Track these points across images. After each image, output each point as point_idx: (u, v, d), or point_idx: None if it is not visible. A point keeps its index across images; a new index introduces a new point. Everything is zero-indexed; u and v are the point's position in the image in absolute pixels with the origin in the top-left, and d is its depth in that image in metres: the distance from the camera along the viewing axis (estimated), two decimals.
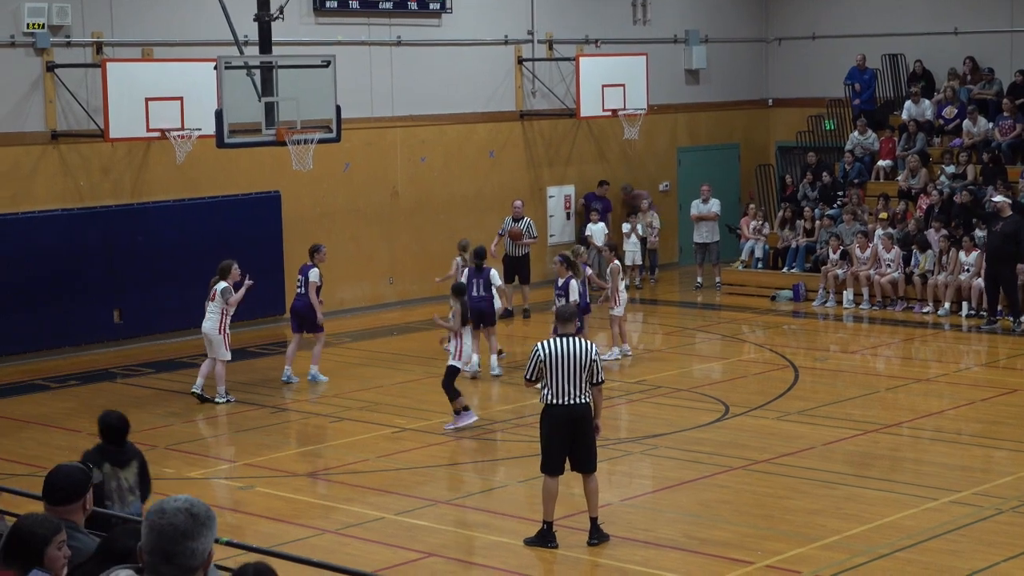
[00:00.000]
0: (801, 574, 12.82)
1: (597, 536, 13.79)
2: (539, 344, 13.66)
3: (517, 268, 26.80)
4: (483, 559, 13.61)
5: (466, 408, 18.43)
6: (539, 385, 13.69)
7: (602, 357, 20.37)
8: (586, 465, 13.79)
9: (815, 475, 16.08)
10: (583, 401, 13.58)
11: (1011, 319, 24.85)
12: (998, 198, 25.61)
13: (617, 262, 22.90)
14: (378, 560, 13.15)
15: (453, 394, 18.36)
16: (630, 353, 22.91)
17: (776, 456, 16.88)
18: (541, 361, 13.52)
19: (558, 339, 13.63)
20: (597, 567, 13.24)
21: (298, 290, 21.49)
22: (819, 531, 14.03)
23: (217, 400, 20.16)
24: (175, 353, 23.72)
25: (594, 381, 13.60)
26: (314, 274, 21.31)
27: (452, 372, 18.39)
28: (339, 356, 23.74)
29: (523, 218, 27.04)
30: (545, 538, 13.81)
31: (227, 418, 19.76)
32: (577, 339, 13.65)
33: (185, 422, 19.35)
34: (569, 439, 13.66)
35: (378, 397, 20.59)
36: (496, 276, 21.89)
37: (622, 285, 22.75)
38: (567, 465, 13.83)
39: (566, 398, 13.52)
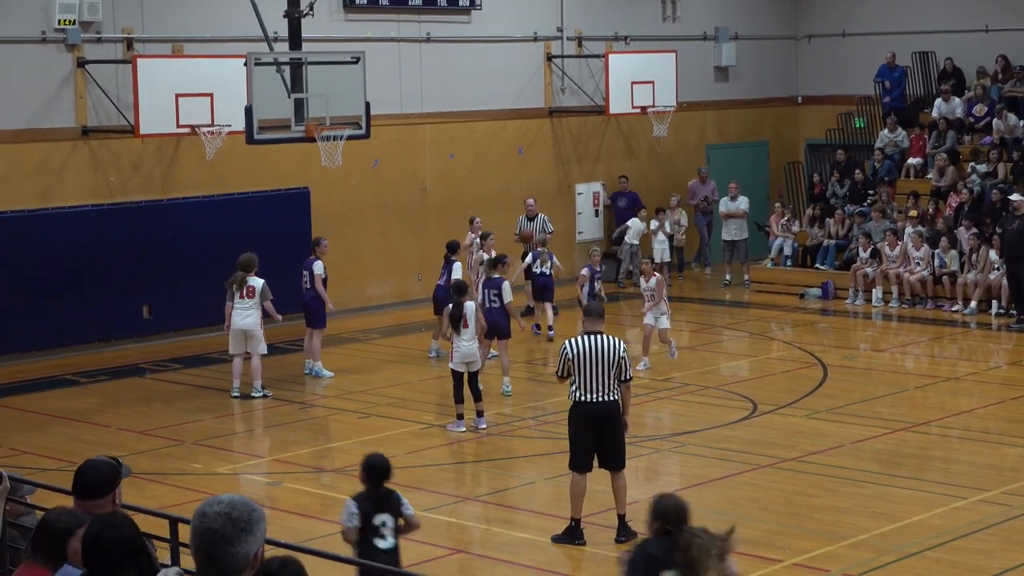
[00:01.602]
0: (829, 572, 12.80)
1: (625, 534, 13.76)
2: (567, 342, 13.68)
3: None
4: (510, 555, 13.62)
5: (460, 416, 18.39)
6: (571, 388, 13.67)
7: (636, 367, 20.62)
8: (614, 463, 13.79)
9: (843, 473, 16.05)
10: (612, 399, 13.58)
11: (1017, 314, 24.78)
12: (1015, 196, 25.54)
13: (658, 276, 21.91)
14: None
15: (458, 397, 18.34)
16: (675, 353, 22.02)
17: (804, 454, 16.85)
18: (569, 360, 13.54)
19: (586, 336, 13.63)
20: None
21: (305, 285, 21.52)
22: (847, 529, 14.00)
23: (254, 394, 20.22)
24: (203, 348, 23.77)
25: (623, 378, 13.60)
26: (318, 267, 21.41)
27: (454, 375, 18.37)
28: (368, 352, 23.79)
29: (537, 215, 26.98)
30: (573, 535, 13.83)
31: (256, 414, 19.81)
32: (606, 336, 13.65)
33: (214, 418, 19.41)
34: (597, 436, 13.67)
35: (406, 393, 20.62)
36: (508, 290, 20.44)
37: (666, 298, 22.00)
38: (595, 462, 13.84)
39: (595, 395, 13.52)
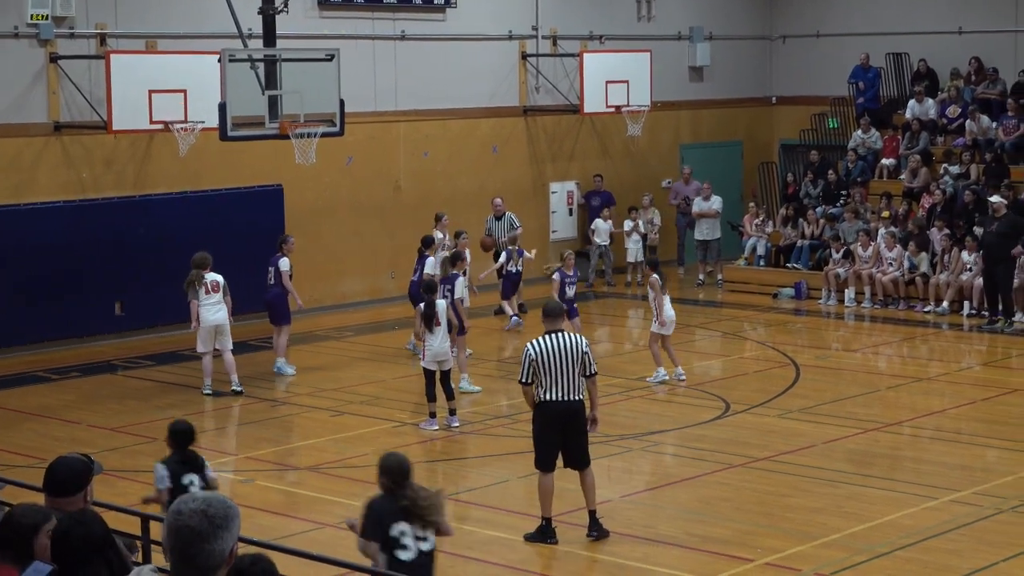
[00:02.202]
0: (801, 572, 12.82)
1: (596, 529, 13.81)
2: (529, 344, 13.64)
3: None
4: (482, 554, 13.61)
5: (432, 415, 18.37)
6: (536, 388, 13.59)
7: (647, 379, 20.52)
8: (579, 462, 13.83)
9: (816, 473, 16.08)
10: (577, 398, 13.59)
11: (1001, 318, 24.86)
12: (994, 198, 25.64)
13: (656, 276, 20.81)
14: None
15: (440, 394, 18.31)
16: (683, 377, 20.97)
17: (777, 454, 16.88)
18: (533, 360, 13.47)
19: (547, 336, 13.61)
20: (596, 563, 13.24)
21: (269, 281, 21.43)
22: (819, 529, 14.03)
23: (235, 388, 20.18)
24: (176, 345, 23.70)
25: (587, 374, 13.61)
26: (284, 263, 21.36)
27: (427, 374, 18.36)
28: (341, 349, 23.75)
29: (504, 214, 26.97)
30: (545, 534, 13.84)
31: (227, 411, 19.76)
32: (567, 334, 13.67)
33: (185, 415, 19.29)
34: (560, 436, 13.67)
35: (379, 391, 20.59)
36: (460, 285, 20.69)
37: (666, 302, 20.80)
38: (562, 461, 13.86)
39: (560, 394, 13.51)
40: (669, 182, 32.65)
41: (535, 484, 14.17)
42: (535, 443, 13.90)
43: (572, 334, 13.79)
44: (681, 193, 31.38)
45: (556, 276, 22.00)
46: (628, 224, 29.99)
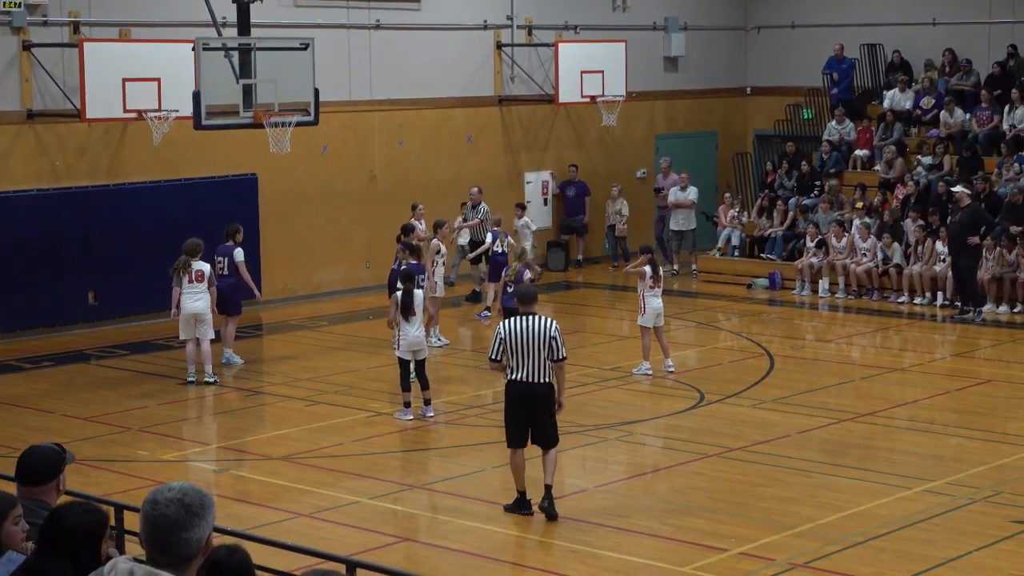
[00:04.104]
0: (775, 561, 12.84)
1: (548, 501, 14.02)
2: (501, 323, 14.08)
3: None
4: (456, 543, 13.61)
5: (407, 404, 18.36)
6: (505, 368, 13.99)
7: (633, 372, 20.49)
8: (545, 442, 14.11)
9: (789, 463, 16.11)
10: (543, 380, 13.91)
11: (970, 308, 24.95)
12: (957, 188, 25.73)
13: (647, 268, 20.48)
14: (352, 544, 13.14)
15: (405, 385, 18.32)
16: (672, 368, 20.81)
17: (751, 444, 16.91)
18: (503, 340, 13.86)
19: (519, 318, 13.97)
20: (571, 553, 13.25)
21: (220, 272, 21.11)
22: (793, 519, 14.06)
23: (207, 380, 20.13)
24: (150, 335, 23.65)
25: (555, 358, 13.88)
26: (239, 253, 21.18)
27: (401, 363, 18.35)
28: (316, 339, 23.71)
29: (480, 204, 26.93)
30: (521, 505, 14.20)
31: (202, 401, 19.71)
32: (538, 317, 13.96)
33: (160, 404, 19.29)
34: (529, 415, 14.00)
35: (354, 381, 20.56)
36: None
37: (652, 294, 20.61)
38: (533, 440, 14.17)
39: (525, 375, 13.86)
40: (644, 172, 32.68)
41: (510, 474, 14.23)
42: (505, 420, 14.28)
43: (544, 318, 14.00)
44: (665, 187, 31.00)
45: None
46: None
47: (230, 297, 21.21)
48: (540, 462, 14.19)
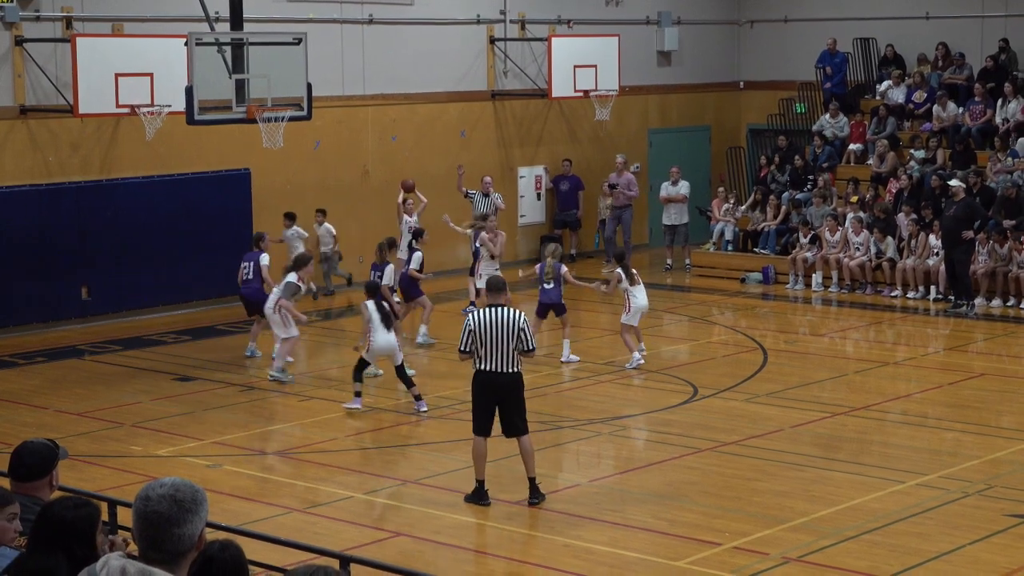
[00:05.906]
0: (768, 555, 12.86)
1: (536, 496, 14.17)
2: (470, 315, 14.24)
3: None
4: (451, 539, 13.61)
5: (358, 394, 18.38)
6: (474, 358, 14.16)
7: (626, 366, 20.45)
8: (514, 429, 14.25)
9: (783, 457, 16.13)
10: (510, 371, 14.08)
11: (964, 302, 24.96)
12: (953, 182, 25.76)
13: (619, 271, 20.60)
14: (346, 539, 13.14)
15: (406, 383, 18.39)
16: (641, 360, 20.79)
17: (744, 438, 16.92)
18: (472, 331, 14.01)
19: (488, 308, 14.13)
20: (565, 547, 13.25)
21: (246, 277, 21.29)
22: (787, 513, 14.07)
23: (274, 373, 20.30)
24: (143, 330, 23.63)
25: (525, 349, 14.10)
26: (266, 259, 21.27)
27: (361, 359, 18.40)
28: (309, 334, 23.68)
29: (489, 194, 26.84)
30: (479, 495, 14.32)
31: (195, 396, 19.68)
32: (507, 309, 14.12)
33: (153, 399, 19.28)
34: (494, 404, 14.18)
35: (348, 376, 20.51)
36: (389, 274, 20.66)
37: (640, 291, 20.66)
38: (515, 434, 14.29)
39: (492, 365, 14.03)
40: (637, 167, 32.64)
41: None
42: (472, 409, 14.44)
43: (512, 309, 14.19)
44: (620, 185, 30.57)
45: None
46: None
47: (255, 300, 21.22)
48: (520, 459, 14.29)
